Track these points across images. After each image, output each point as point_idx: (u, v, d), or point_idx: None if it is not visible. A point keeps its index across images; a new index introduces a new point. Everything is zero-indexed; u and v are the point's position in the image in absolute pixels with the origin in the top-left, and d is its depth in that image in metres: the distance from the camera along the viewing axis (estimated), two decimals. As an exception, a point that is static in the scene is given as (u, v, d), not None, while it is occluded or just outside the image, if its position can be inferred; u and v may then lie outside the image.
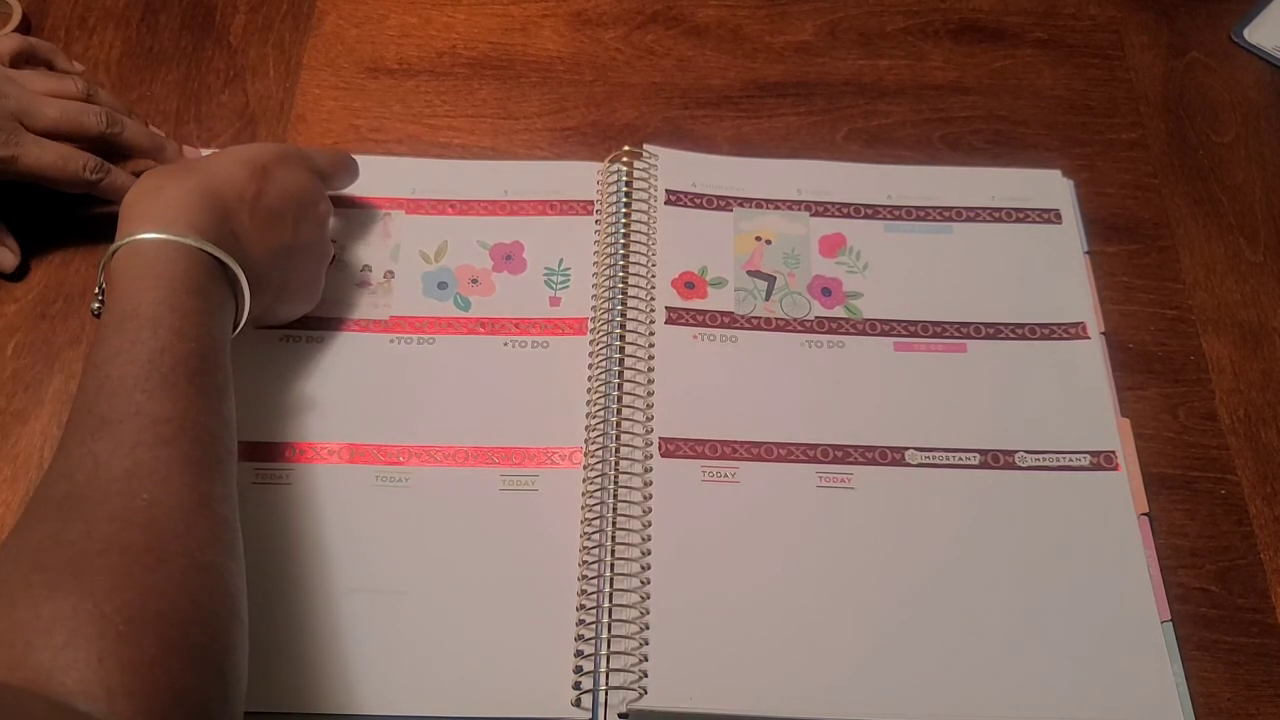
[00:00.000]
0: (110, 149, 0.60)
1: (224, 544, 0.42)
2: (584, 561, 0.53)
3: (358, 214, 0.63)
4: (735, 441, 0.57)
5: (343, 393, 0.58)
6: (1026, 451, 0.57)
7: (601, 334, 0.60)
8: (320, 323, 0.60)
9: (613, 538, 0.53)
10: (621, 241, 0.62)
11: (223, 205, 0.50)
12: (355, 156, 0.62)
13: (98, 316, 0.49)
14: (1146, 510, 0.56)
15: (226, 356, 0.48)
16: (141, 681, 0.35)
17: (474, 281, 0.62)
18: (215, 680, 0.38)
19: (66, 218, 0.62)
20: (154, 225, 0.47)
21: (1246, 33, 0.74)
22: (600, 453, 0.56)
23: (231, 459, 0.45)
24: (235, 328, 0.50)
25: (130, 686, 0.35)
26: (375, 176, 0.64)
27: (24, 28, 0.69)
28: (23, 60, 0.61)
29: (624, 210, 0.63)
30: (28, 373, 0.58)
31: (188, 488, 0.42)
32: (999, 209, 0.65)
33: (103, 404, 0.43)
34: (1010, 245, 0.64)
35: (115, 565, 0.38)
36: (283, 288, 0.55)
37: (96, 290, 0.50)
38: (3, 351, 0.59)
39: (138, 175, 0.57)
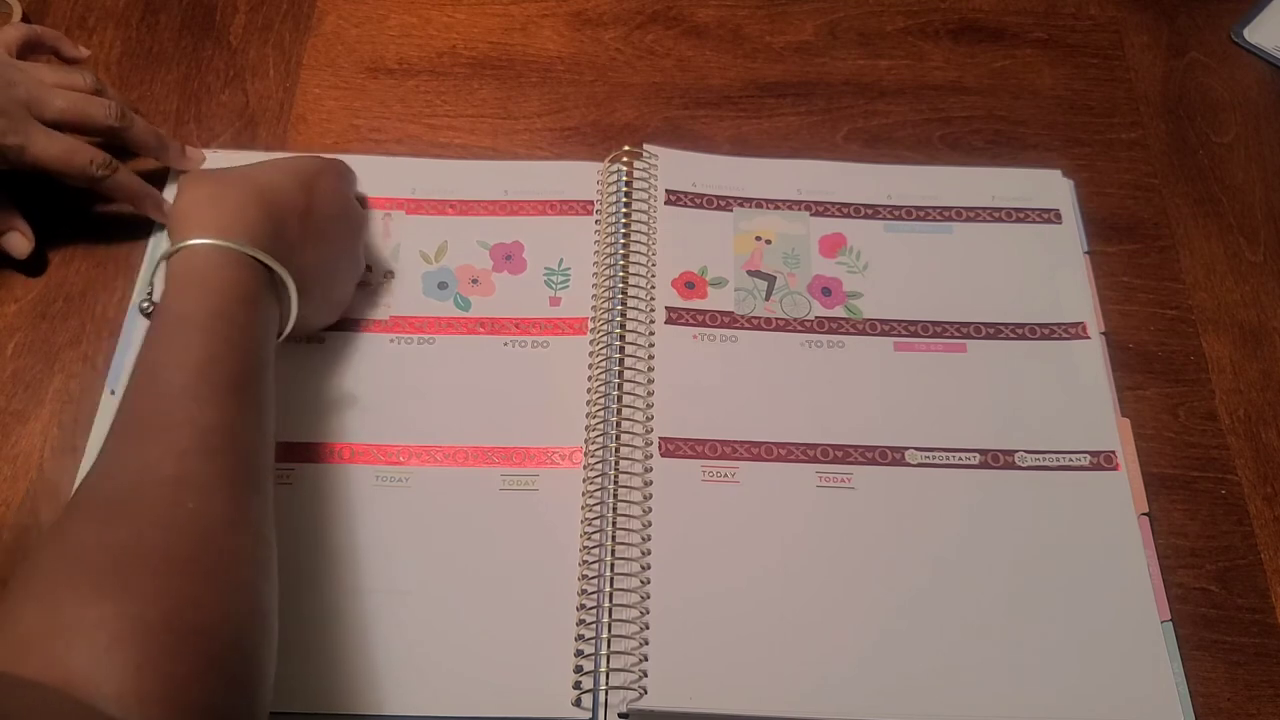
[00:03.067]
0: (115, 144, 0.60)
1: (261, 564, 0.42)
2: (584, 561, 0.53)
3: None
4: (735, 441, 0.57)
5: (343, 393, 0.58)
6: (1026, 451, 0.57)
7: (601, 334, 0.60)
8: None
9: (613, 537, 0.53)
10: (621, 241, 0.62)
11: (278, 215, 0.51)
12: (355, 156, 0.62)
13: (146, 315, 0.49)
14: (1146, 510, 0.56)
15: (271, 369, 0.48)
16: (177, 695, 0.35)
17: (474, 281, 0.62)
18: (245, 702, 0.38)
19: (66, 217, 0.62)
20: (214, 231, 0.48)
21: (1246, 33, 0.74)
22: (600, 452, 0.56)
23: (270, 476, 0.45)
24: (279, 337, 0.51)
25: (165, 698, 0.35)
26: (375, 177, 0.64)
27: (24, 28, 0.69)
28: (29, 49, 0.61)
29: (624, 210, 0.63)
30: (27, 373, 0.58)
31: (231, 502, 0.42)
32: (999, 209, 0.65)
33: (152, 408, 0.43)
34: (1010, 245, 0.64)
35: (160, 572, 0.38)
36: (322, 300, 0.56)
37: (148, 291, 0.50)
38: (2, 351, 0.59)
39: (142, 176, 0.58)
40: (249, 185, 0.51)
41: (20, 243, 0.60)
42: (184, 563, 0.39)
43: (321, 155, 0.59)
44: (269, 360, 0.48)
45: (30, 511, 0.55)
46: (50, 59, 0.63)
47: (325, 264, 0.54)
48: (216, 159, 0.65)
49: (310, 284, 0.52)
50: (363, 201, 0.63)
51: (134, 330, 0.59)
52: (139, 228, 0.63)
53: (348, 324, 0.60)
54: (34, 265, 0.61)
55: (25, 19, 0.69)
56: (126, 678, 0.34)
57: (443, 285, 0.62)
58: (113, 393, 0.57)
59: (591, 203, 0.64)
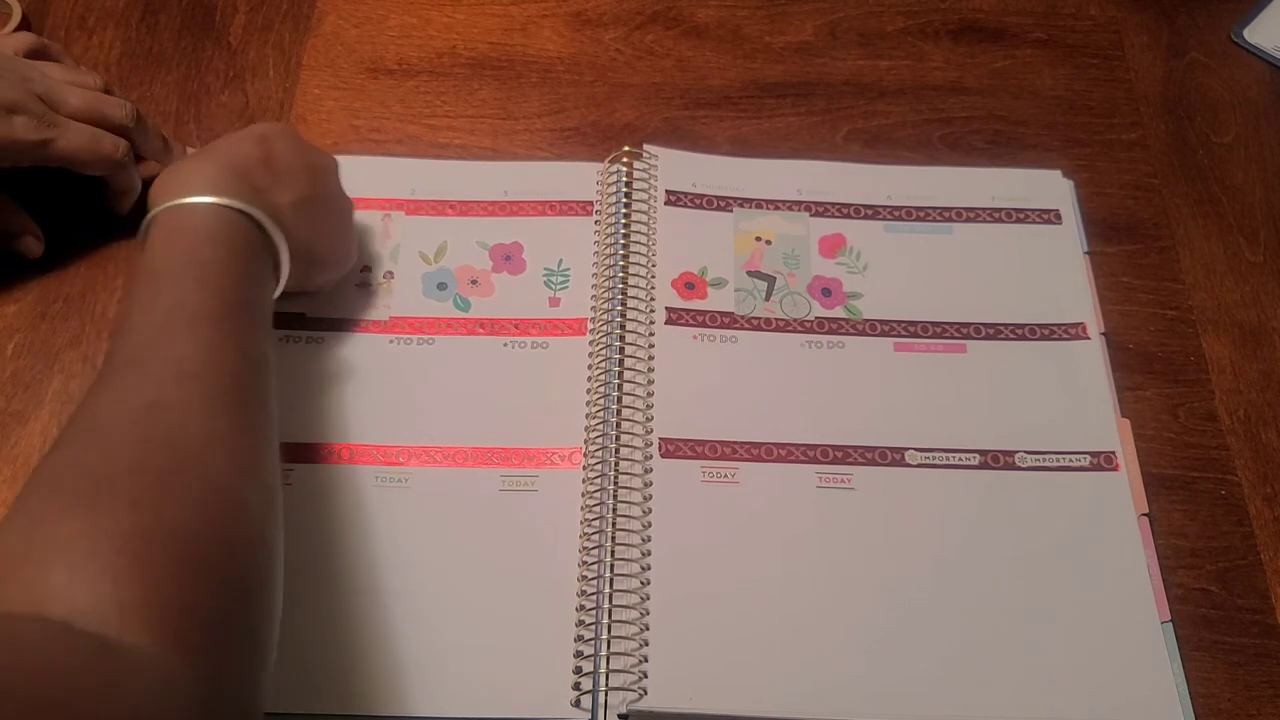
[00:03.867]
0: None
1: (244, 470, 0.42)
2: (584, 562, 0.53)
3: (357, 215, 0.63)
4: (735, 442, 0.57)
5: (342, 393, 0.58)
6: (1026, 452, 0.57)
7: (601, 334, 0.59)
8: (320, 323, 0.60)
9: (612, 538, 0.53)
10: (621, 242, 0.62)
11: (236, 168, 0.51)
12: (355, 157, 0.63)
13: None
14: (1146, 511, 0.56)
15: (258, 301, 0.49)
16: (154, 597, 0.34)
17: (474, 282, 0.62)
18: (232, 598, 0.38)
19: (66, 218, 0.62)
20: (170, 197, 0.49)
21: (1246, 33, 0.74)
22: (600, 453, 0.56)
23: (261, 395, 0.45)
24: (279, 282, 0.52)
25: (142, 602, 0.34)
26: (375, 177, 0.64)
27: (24, 28, 0.69)
28: (35, 58, 0.61)
29: (624, 210, 0.63)
30: (27, 373, 0.58)
31: (209, 418, 0.42)
32: (999, 209, 0.65)
33: (126, 349, 0.43)
34: (1010, 245, 0.64)
35: (133, 486, 0.38)
36: (313, 240, 0.55)
37: None
38: (2, 352, 0.59)
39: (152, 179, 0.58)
40: (202, 154, 0.53)
41: (33, 245, 0.60)
42: (158, 474, 0.38)
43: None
44: (251, 293, 0.48)
45: (30, 512, 0.54)
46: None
47: (303, 201, 0.54)
48: None
49: (294, 224, 0.52)
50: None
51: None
52: (139, 228, 0.62)
53: (347, 324, 0.60)
54: (34, 265, 0.61)
55: (25, 19, 0.69)
56: (103, 588, 0.34)
57: (442, 286, 0.62)
58: None
59: (591, 203, 0.64)
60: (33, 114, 0.56)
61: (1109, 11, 0.75)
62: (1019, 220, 0.65)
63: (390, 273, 0.62)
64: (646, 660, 0.50)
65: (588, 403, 0.58)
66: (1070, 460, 0.57)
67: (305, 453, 0.56)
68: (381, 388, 0.58)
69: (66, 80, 0.59)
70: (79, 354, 0.59)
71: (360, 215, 0.64)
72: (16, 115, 0.55)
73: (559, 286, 0.62)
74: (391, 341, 0.60)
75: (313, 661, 0.51)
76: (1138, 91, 0.71)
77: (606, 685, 0.50)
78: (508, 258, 0.63)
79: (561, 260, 0.63)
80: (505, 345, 0.60)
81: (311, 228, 0.54)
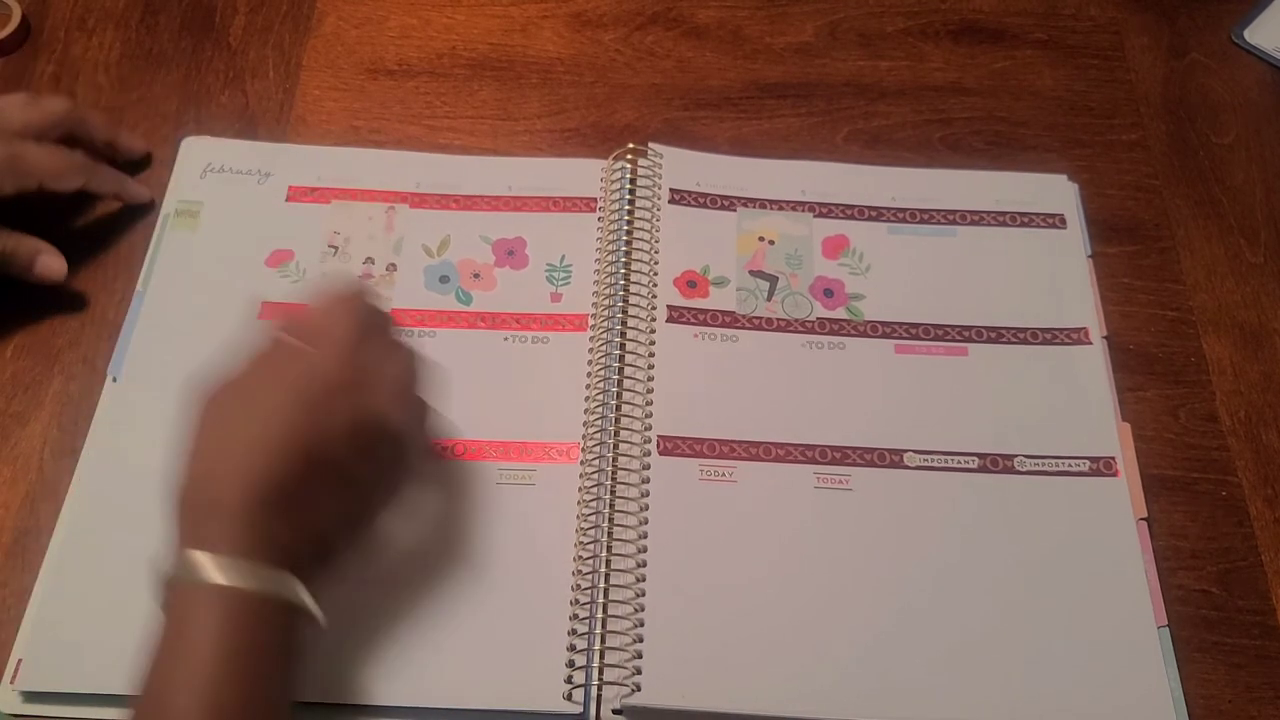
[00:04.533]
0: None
1: None
2: (579, 557, 0.53)
3: (361, 207, 0.64)
4: (733, 441, 0.57)
5: None
6: (1026, 456, 0.57)
7: (602, 330, 0.59)
8: None
9: (609, 534, 0.53)
10: (624, 239, 0.62)
11: (274, 504, 0.43)
12: (360, 149, 0.64)
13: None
14: (1145, 515, 0.56)
15: (287, 691, 0.43)
16: None
17: (476, 276, 0.62)
18: None
19: (66, 219, 0.62)
20: (203, 545, 0.41)
21: (1247, 33, 0.74)
22: (598, 449, 0.56)
23: None
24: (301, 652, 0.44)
25: None
26: (380, 170, 0.65)
27: (23, 29, 0.69)
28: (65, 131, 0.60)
29: (627, 208, 0.63)
30: (27, 374, 0.58)
31: None
32: (1003, 213, 0.65)
33: None
34: (1014, 249, 0.64)
35: None
36: (361, 534, 0.48)
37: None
38: (2, 353, 0.59)
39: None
40: (235, 486, 0.42)
41: (52, 264, 0.59)
42: None
43: (319, 357, 0.46)
44: (285, 690, 0.43)
45: (30, 514, 0.54)
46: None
47: (349, 516, 0.47)
48: (206, 150, 0.65)
49: (335, 536, 0.46)
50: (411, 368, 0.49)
51: (136, 319, 0.59)
52: (139, 229, 0.63)
53: None
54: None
55: (25, 20, 0.69)
56: None
57: (444, 279, 0.62)
58: (114, 380, 0.57)
59: (594, 200, 0.64)
60: None
61: (1109, 12, 0.75)
62: (1024, 224, 0.65)
63: (393, 265, 0.62)
64: (640, 656, 0.50)
65: (587, 398, 0.58)
66: (1070, 465, 0.57)
67: None
68: None
69: (21, 125, 0.58)
70: (78, 355, 0.59)
71: (364, 208, 0.64)
72: None
73: (561, 282, 0.62)
74: None
75: (306, 652, 0.51)
76: (1138, 92, 0.71)
77: (600, 679, 0.50)
78: (510, 252, 0.63)
79: (564, 256, 0.63)
80: (506, 339, 0.60)
81: (359, 521, 0.47)
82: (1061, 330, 0.61)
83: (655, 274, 0.61)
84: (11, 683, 0.50)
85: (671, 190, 0.64)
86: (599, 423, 0.56)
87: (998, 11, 0.74)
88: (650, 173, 0.65)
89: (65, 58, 0.69)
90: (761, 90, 0.70)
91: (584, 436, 0.57)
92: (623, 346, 0.59)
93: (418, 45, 0.71)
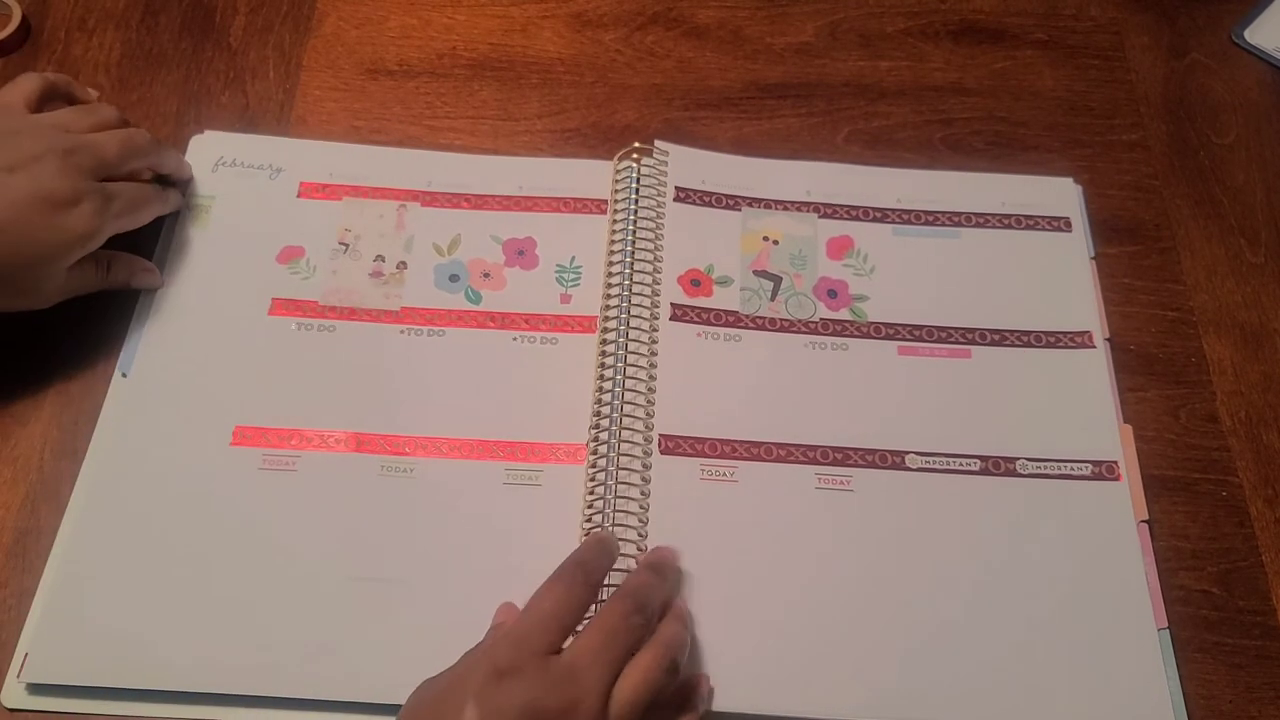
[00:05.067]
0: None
1: None
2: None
3: (373, 204, 0.64)
4: (735, 441, 0.57)
5: (351, 382, 0.58)
6: (1027, 459, 0.57)
7: (608, 332, 0.59)
8: (331, 311, 0.60)
9: (611, 533, 0.53)
10: (630, 238, 0.62)
11: None
12: (371, 147, 0.64)
13: None
14: (1147, 518, 0.56)
15: None
16: None
17: (486, 275, 0.62)
18: None
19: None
20: None
21: (1247, 33, 0.74)
22: (602, 449, 0.56)
23: None
24: None
25: None
26: (391, 168, 0.65)
27: (24, 29, 0.69)
28: (45, 99, 0.59)
29: (634, 207, 0.63)
30: (27, 374, 0.58)
31: None
32: (1008, 215, 0.65)
33: None
34: (1018, 252, 0.64)
35: None
36: None
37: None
38: (2, 353, 0.59)
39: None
40: None
41: (148, 278, 0.60)
42: None
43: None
44: None
45: (30, 514, 0.54)
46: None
47: None
48: (218, 144, 0.65)
49: None
50: None
51: (145, 314, 0.59)
52: (139, 229, 0.62)
53: (358, 313, 0.60)
54: None
55: (25, 20, 0.69)
56: None
57: (454, 278, 0.62)
58: (124, 375, 0.58)
59: (605, 201, 0.64)
60: (91, 197, 0.54)
61: (1109, 12, 0.75)
62: (1028, 227, 0.65)
63: (403, 263, 0.62)
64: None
65: (594, 400, 0.58)
66: (1071, 469, 0.57)
67: (311, 440, 0.56)
68: (390, 378, 0.58)
69: (88, 125, 0.57)
70: (79, 355, 0.59)
71: (375, 205, 0.64)
72: (75, 207, 0.53)
73: (570, 283, 0.62)
74: (402, 332, 0.60)
75: (312, 648, 0.51)
76: (1138, 92, 0.71)
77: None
78: (520, 252, 0.63)
79: (574, 257, 0.63)
80: (515, 339, 0.60)
81: None
82: (1065, 334, 0.61)
83: (659, 272, 0.61)
84: (18, 676, 0.50)
85: (676, 188, 0.64)
86: (603, 422, 0.57)
87: (998, 11, 0.75)
88: (655, 171, 0.65)
89: (65, 58, 0.69)
90: (762, 90, 0.70)
91: (590, 438, 0.57)
92: (626, 345, 0.59)
93: (418, 45, 0.71)
